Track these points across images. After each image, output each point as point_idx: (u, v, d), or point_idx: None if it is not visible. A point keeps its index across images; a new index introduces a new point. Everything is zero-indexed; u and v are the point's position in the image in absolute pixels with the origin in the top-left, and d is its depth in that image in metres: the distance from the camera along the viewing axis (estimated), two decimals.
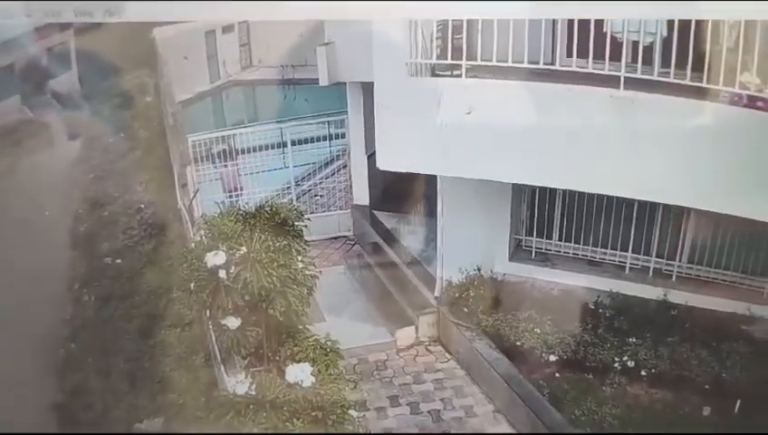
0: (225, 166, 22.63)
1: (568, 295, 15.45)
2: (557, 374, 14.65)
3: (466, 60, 12.98)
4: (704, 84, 10.85)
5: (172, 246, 19.20)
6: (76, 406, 15.40)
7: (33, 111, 27.50)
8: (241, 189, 22.26)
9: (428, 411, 14.91)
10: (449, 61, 13.30)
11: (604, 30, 11.75)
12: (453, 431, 14.44)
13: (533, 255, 16.72)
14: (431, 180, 16.75)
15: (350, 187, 22.30)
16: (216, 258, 11.35)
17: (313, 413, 10.68)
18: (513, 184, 15.35)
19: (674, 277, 15.32)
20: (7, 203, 20.48)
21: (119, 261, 19.55)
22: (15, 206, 20.17)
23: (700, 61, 10.84)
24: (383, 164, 14.57)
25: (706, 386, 13.61)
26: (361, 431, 11.50)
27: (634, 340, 14.33)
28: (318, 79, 19.46)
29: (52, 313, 18.01)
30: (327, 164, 24.20)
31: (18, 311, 16.85)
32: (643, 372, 14.08)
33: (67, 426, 15.05)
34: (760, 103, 10.53)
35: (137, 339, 16.75)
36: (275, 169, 22.56)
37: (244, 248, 11.49)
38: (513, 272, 16.40)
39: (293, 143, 22.19)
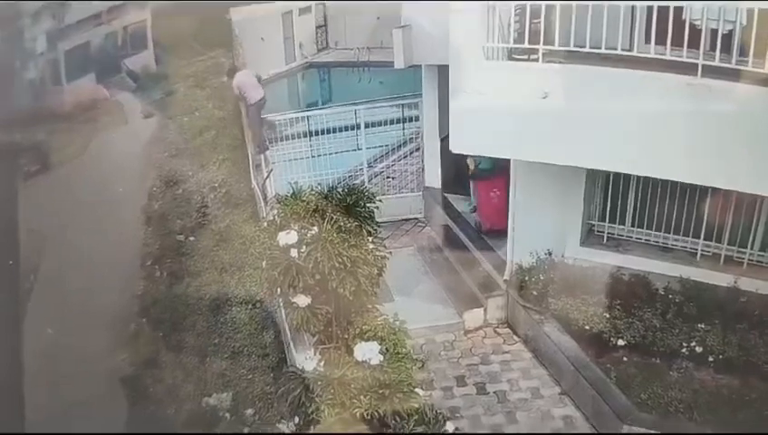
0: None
1: (638, 281, 15.35)
2: (625, 358, 14.59)
3: (544, 44, 13.03)
4: None
5: (245, 224, 19.44)
6: (146, 379, 15.63)
7: (109, 90, 27.84)
8: (263, 100, 22.74)
9: (494, 392, 15.00)
10: (526, 45, 13.34)
11: (683, 17, 11.72)
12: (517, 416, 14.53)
13: (605, 240, 16.63)
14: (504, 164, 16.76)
15: (423, 169, 22.36)
16: (288, 237, 11.56)
17: (380, 391, 10.86)
18: (588, 169, 15.29)
19: (745, 265, 15.14)
20: (82, 180, 20.79)
21: (192, 238, 19.78)
22: (91, 182, 20.48)
23: None
24: (456, 147, 14.66)
25: None
26: (427, 411, 11.62)
27: (703, 326, 14.26)
28: (393, 62, 19.51)
29: (125, 288, 18.27)
30: (400, 146, 24.06)
31: (92, 286, 17.15)
32: (710, 358, 14.01)
33: (137, 398, 15.28)
34: None
35: (207, 315, 16.94)
36: (348, 151, 22.64)
37: (315, 228, 11.66)
38: (585, 257, 16.32)
39: (367, 125, 22.25)
